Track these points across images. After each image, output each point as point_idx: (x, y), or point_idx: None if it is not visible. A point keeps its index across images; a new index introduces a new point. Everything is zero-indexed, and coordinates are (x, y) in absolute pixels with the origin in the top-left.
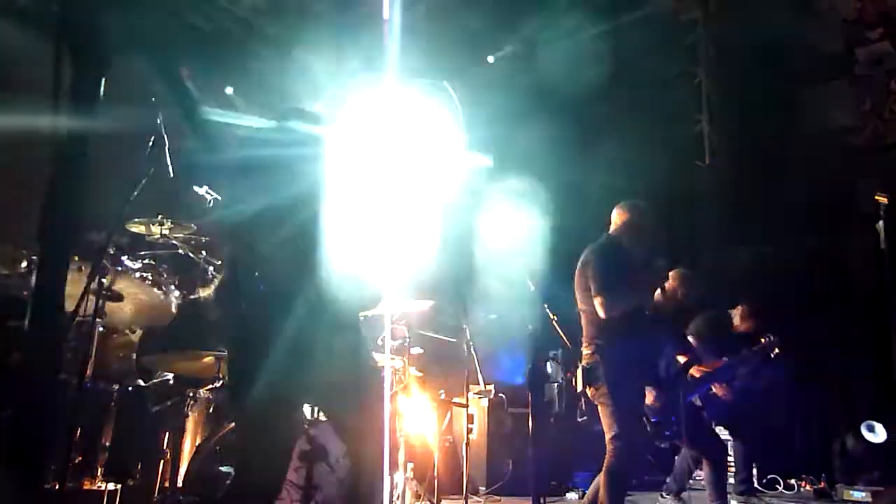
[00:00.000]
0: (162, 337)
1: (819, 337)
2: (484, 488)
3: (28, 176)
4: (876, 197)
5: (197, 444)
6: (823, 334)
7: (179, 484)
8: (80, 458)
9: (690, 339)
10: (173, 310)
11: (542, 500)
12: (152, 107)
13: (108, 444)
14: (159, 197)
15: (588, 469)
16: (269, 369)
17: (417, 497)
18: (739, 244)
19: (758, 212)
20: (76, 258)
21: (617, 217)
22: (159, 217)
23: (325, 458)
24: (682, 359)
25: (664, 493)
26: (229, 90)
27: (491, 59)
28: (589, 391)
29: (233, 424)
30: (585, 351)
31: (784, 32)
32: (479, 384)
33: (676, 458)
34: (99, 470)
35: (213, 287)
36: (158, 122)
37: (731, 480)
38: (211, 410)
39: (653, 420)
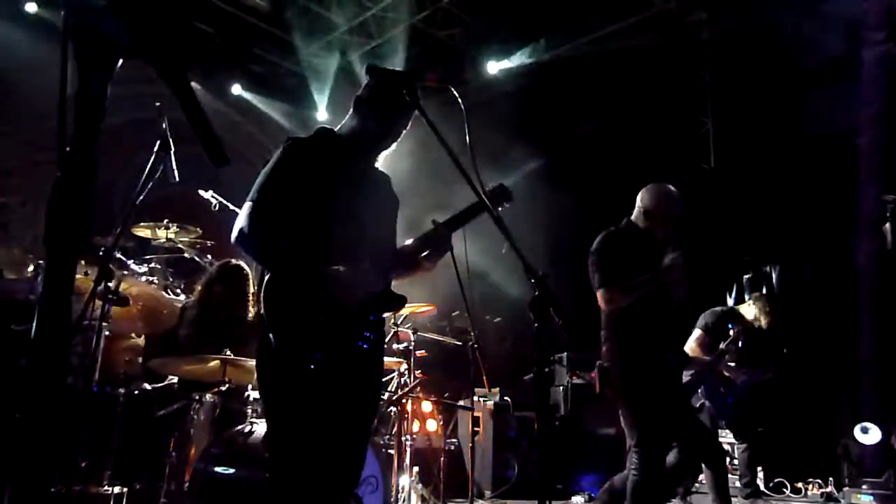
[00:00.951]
0: (168, 340)
1: (826, 339)
2: (489, 492)
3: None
4: (882, 198)
5: (203, 447)
6: (830, 336)
7: (185, 488)
8: (87, 462)
9: (698, 332)
10: (179, 313)
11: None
12: (158, 111)
13: (114, 447)
14: (165, 201)
15: (594, 472)
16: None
17: (423, 500)
18: (744, 246)
19: (763, 214)
20: (83, 262)
21: (638, 200)
22: (165, 221)
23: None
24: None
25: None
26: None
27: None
28: (609, 392)
29: (238, 428)
30: (603, 348)
31: (789, 34)
32: (484, 387)
33: None
34: (105, 473)
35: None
36: (164, 126)
37: (738, 484)
38: (217, 414)
39: None
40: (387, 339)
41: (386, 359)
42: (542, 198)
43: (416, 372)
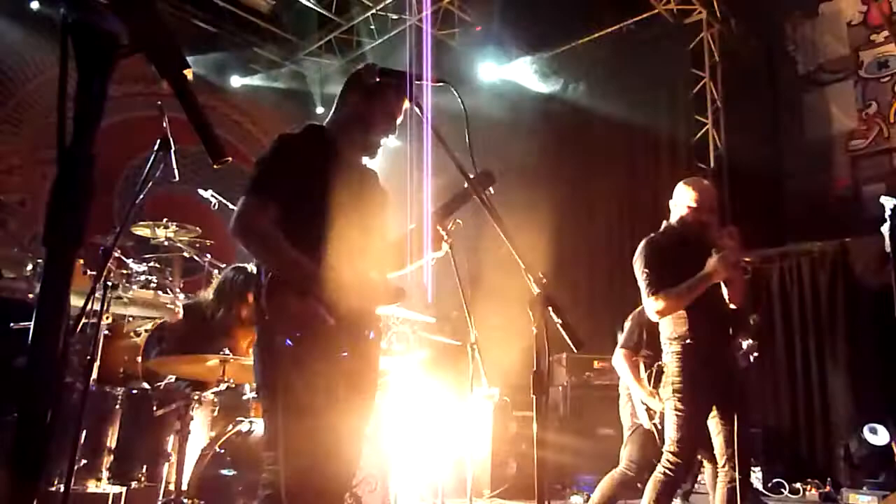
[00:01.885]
0: (167, 339)
1: (825, 340)
2: (488, 491)
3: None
4: (881, 200)
5: (202, 447)
6: (829, 337)
7: (184, 487)
8: (85, 461)
9: None
10: (178, 312)
11: (546, 503)
12: (158, 109)
13: (112, 446)
14: (165, 200)
15: (593, 472)
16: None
17: (422, 500)
18: (744, 247)
19: (762, 215)
20: (82, 261)
21: (673, 200)
22: (164, 220)
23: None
24: None
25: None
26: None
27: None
28: (661, 391)
29: (238, 428)
30: (663, 349)
31: (789, 35)
32: (483, 387)
33: None
34: (104, 473)
35: (212, 288)
36: (164, 124)
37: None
38: (216, 413)
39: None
40: (386, 340)
41: (385, 358)
42: (541, 197)
43: (416, 371)
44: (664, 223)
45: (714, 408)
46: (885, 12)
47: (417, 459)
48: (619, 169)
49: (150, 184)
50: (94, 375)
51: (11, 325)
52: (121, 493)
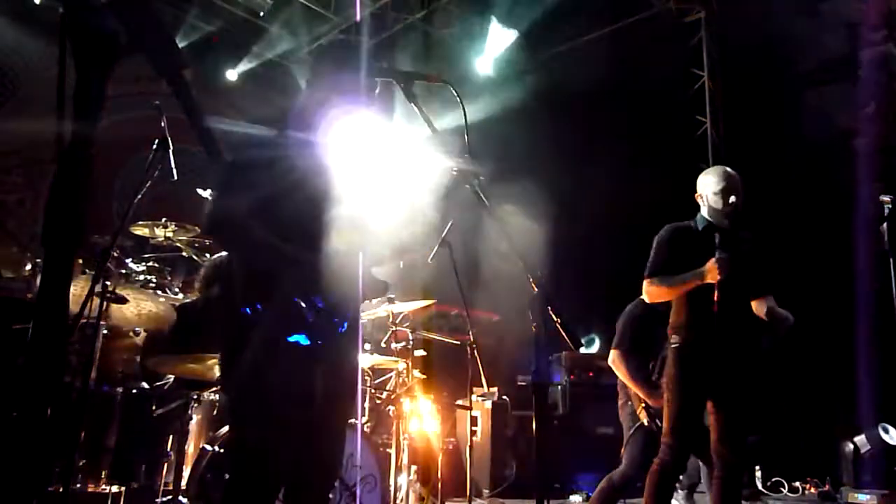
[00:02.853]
0: (166, 339)
1: (823, 339)
2: (487, 491)
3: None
4: (880, 199)
5: (201, 446)
6: (828, 336)
7: (183, 486)
8: (85, 461)
9: None
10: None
11: (545, 503)
12: (156, 109)
13: (112, 446)
14: (163, 200)
15: (592, 471)
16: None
17: (421, 499)
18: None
19: (761, 214)
20: (80, 261)
21: (698, 192)
22: (163, 220)
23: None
24: None
25: (678, 489)
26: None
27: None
28: (662, 383)
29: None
30: (668, 340)
31: (788, 34)
32: (482, 386)
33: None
34: (103, 472)
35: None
36: (162, 124)
37: None
38: (215, 413)
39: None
40: (385, 339)
41: (384, 358)
42: (537, 196)
43: (415, 371)
44: (698, 214)
45: (710, 405)
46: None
47: (416, 459)
48: (617, 168)
49: (149, 183)
50: (93, 375)
51: (13, 326)
52: (120, 492)
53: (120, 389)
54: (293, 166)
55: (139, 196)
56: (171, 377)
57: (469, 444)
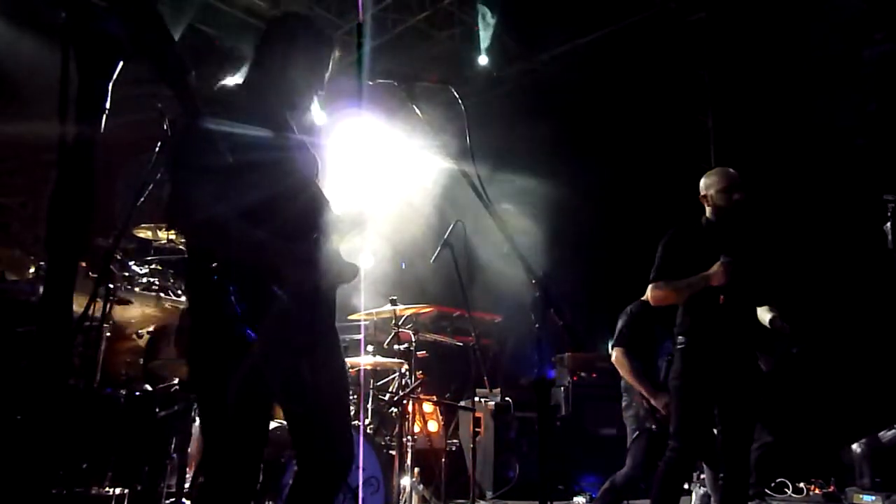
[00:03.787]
0: (169, 341)
1: (827, 339)
2: (491, 492)
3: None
4: (883, 198)
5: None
6: (832, 337)
7: (186, 489)
8: (88, 463)
9: None
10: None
11: None
12: (159, 112)
13: (115, 449)
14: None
15: (595, 473)
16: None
17: (424, 501)
18: None
19: (763, 214)
20: (84, 264)
21: (702, 193)
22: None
23: None
24: None
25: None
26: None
27: (484, 59)
28: (669, 384)
29: None
30: (674, 341)
31: (790, 33)
32: (485, 387)
33: None
34: (107, 475)
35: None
36: (165, 127)
37: None
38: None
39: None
40: (387, 340)
41: (386, 359)
42: (539, 197)
43: (417, 373)
44: (703, 217)
45: (717, 408)
46: None
47: (419, 461)
48: (619, 169)
49: (151, 186)
50: (97, 378)
51: (15, 327)
52: (123, 495)
53: (123, 392)
54: (293, 168)
55: (141, 198)
56: (176, 379)
57: (472, 445)
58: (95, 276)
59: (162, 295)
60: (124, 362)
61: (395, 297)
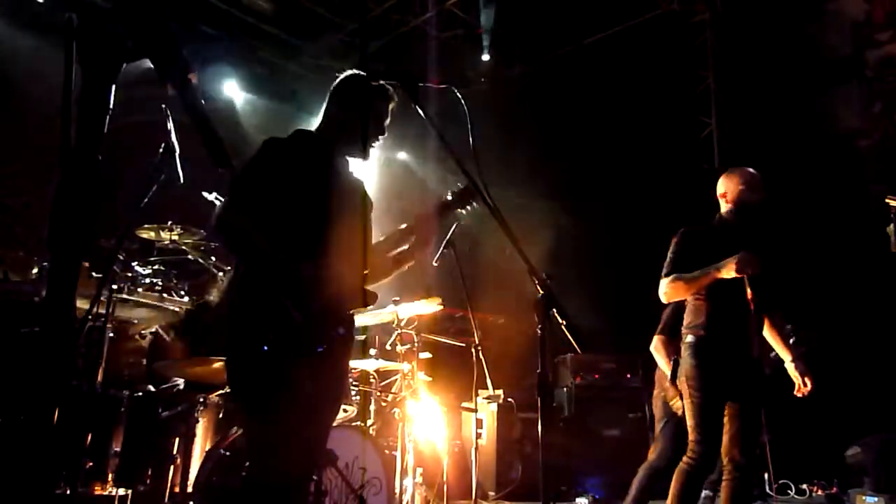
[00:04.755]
0: (172, 342)
1: (831, 340)
2: (493, 493)
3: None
4: (886, 200)
5: (207, 449)
6: (835, 338)
7: (189, 490)
8: (91, 464)
9: None
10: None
11: None
12: (162, 113)
13: (118, 449)
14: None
15: (598, 474)
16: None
17: (426, 502)
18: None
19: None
20: (87, 264)
21: (720, 191)
22: (169, 223)
23: (334, 462)
24: None
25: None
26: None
27: (486, 56)
28: (679, 384)
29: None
30: (682, 339)
31: (793, 35)
32: (488, 388)
33: None
34: (109, 475)
35: (220, 289)
36: (168, 127)
37: None
38: (221, 416)
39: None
40: (390, 341)
41: (389, 362)
42: (543, 197)
43: (420, 373)
44: (717, 215)
45: (727, 405)
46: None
47: (422, 462)
48: (622, 169)
49: (155, 187)
50: (100, 378)
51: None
52: (126, 495)
53: (126, 392)
54: (308, 179)
55: (145, 199)
56: (179, 380)
57: (475, 446)
58: (99, 276)
59: (165, 296)
60: (127, 363)
61: (397, 298)
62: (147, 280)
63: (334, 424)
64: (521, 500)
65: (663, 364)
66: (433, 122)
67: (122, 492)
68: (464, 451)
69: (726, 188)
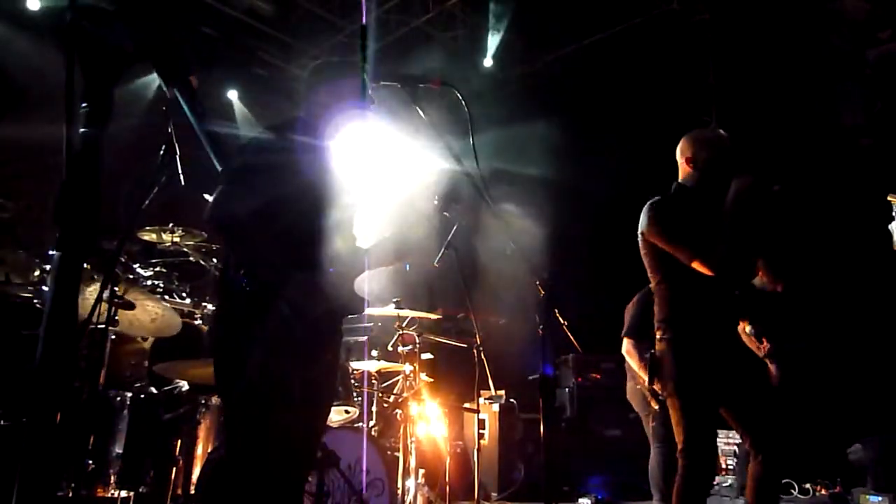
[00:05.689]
0: (174, 344)
1: (833, 339)
2: (496, 494)
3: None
4: (888, 198)
5: (209, 451)
6: (837, 337)
7: (192, 491)
8: (93, 466)
9: None
10: (184, 317)
11: None
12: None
13: (120, 451)
14: (170, 205)
15: (600, 474)
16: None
17: (428, 503)
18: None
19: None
20: (88, 266)
21: (678, 157)
22: (170, 225)
23: (336, 464)
24: None
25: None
26: (233, 94)
27: (489, 61)
28: (657, 386)
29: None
30: (656, 336)
31: (794, 33)
32: (489, 389)
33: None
34: (112, 477)
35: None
36: (169, 130)
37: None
38: (223, 417)
39: None
40: (392, 342)
41: (390, 363)
42: (544, 197)
43: (422, 374)
44: (674, 184)
45: (726, 403)
46: None
47: (424, 462)
48: (623, 169)
49: (156, 189)
50: (102, 380)
51: (20, 330)
52: (128, 497)
53: (128, 394)
54: (299, 171)
55: (146, 201)
56: (181, 382)
57: (477, 446)
58: (101, 278)
59: (166, 297)
60: (129, 364)
61: (398, 300)
62: (149, 282)
63: (336, 426)
64: (523, 501)
65: (637, 366)
66: (433, 124)
67: (124, 494)
68: (466, 451)
69: (691, 151)
